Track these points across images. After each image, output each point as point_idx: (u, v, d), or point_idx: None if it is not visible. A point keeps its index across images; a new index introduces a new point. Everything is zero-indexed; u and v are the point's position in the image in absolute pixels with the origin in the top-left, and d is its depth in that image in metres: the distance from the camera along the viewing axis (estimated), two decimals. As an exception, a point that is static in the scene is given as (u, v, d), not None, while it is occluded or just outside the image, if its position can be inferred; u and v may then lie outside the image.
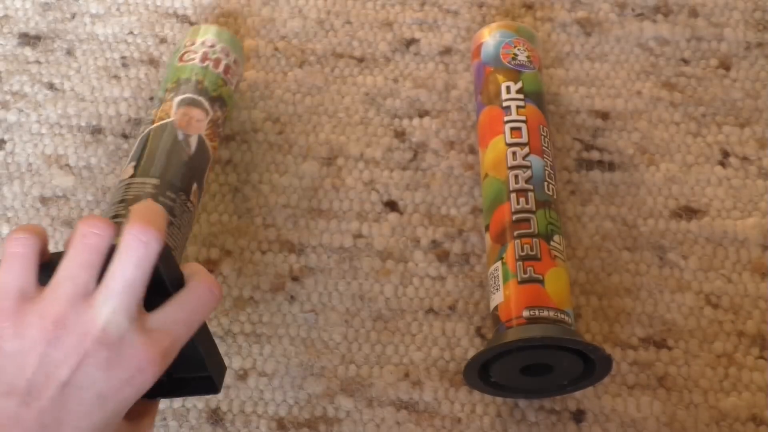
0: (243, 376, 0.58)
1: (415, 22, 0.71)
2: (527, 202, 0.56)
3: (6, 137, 0.67)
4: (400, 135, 0.66)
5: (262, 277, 0.61)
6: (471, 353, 0.58)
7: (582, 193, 0.64)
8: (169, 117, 0.59)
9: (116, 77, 0.69)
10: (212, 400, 0.57)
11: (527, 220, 0.56)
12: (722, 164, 0.65)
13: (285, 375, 0.58)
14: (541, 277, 0.54)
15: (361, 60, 0.70)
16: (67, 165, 0.65)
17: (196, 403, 0.57)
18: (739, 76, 0.68)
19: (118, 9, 0.72)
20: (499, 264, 0.55)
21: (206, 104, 0.61)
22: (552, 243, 0.56)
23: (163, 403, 0.57)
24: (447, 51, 0.70)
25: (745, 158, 0.65)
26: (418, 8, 0.72)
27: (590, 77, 0.69)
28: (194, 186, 0.58)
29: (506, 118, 0.60)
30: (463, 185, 0.64)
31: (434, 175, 0.65)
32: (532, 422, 0.56)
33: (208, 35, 0.64)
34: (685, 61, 0.69)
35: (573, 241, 0.62)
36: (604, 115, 0.67)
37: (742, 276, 0.61)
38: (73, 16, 0.72)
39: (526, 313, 0.53)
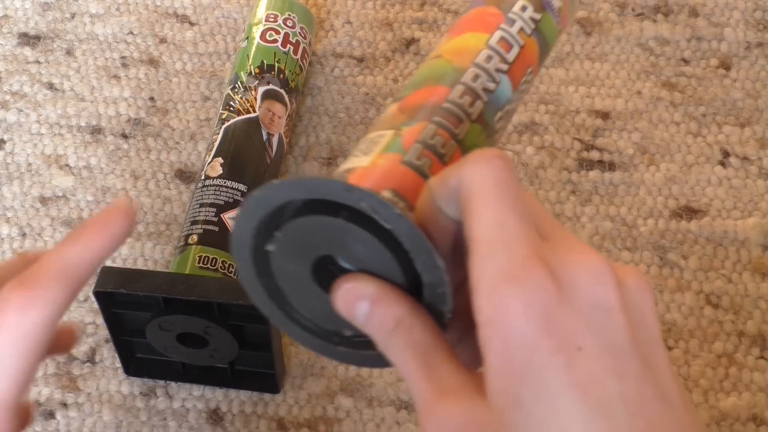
0: (243, 376, 0.58)
1: (415, 22, 0.71)
2: (470, 105, 0.42)
3: (6, 137, 0.67)
4: (400, 135, 0.66)
5: (262, 277, 0.61)
6: (471, 353, 0.58)
7: (582, 193, 0.64)
8: (254, 110, 0.59)
9: (116, 77, 0.69)
10: (212, 400, 0.57)
11: (459, 118, 0.41)
12: (722, 164, 0.65)
13: (285, 375, 0.58)
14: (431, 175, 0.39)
15: (361, 60, 0.70)
16: (67, 165, 0.65)
17: (196, 403, 0.57)
18: (740, 76, 0.68)
19: (117, 9, 0.72)
20: (389, 133, 0.40)
21: (286, 98, 0.62)
22: None
23: (163, 403, 0.57)
24: (447, 51, 0.70)
25: (745, 158, 0.65)
26: (418, 8, 0.72)
27: (590, 77, 0.69)
28: None
29: (503, 26, 0.48)
30: (463, 185, 0.64)
31: (434, 175, 0.65)
32: (532, 422, 0.56)
33: (290, 11, 0.64)
34: (686, 61, 0.69)
35: (573, 241, 0.62)
36: (604, 115, 0.67)
37: (742, 276, 0.61)
38: (73, 16, 0.72)
39: (386, 194, 0.36)
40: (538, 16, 0.49)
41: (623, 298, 0.30)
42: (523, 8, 0.48)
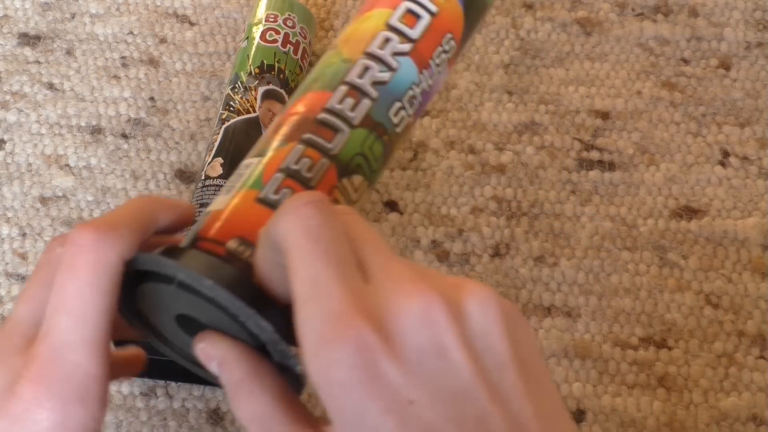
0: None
1: (415, 22, 0.71)
2: (352, 109, 0.38)
3: (6, 137, 0.67)
4: (400, 135, 0.66)
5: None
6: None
7: (582, 193, 0.64)
8: (254, 110, 0.59)
9: (116, 77, 0.69)
10: (212, 400, 0.57)
11: (335, 129, 0.37)
12: (722, 164, 0.65)
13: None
14: None
15: (361, 60, 0.70)
16: (67, 165, 0.65)
17: (196, 403, 0.57)
18: (739, 76, 0.68)
19: (118, 9, 0.72)
20: (255, 162, 0.37)
21: (286, 98, 0.62)
22: (345, 181, 0.37)
23: (163, 403, 0.57)
24: (447, 51, 0.70)
25: (745, 158, 0.65)
26: (418, 8, 0.72)
27: (590, 77, 0.69)
28: None
29: None
30: (463, 185, 0.64)
31: (434, 175, 0.65)
32: (532, 422, 0.56)
33: (290, 11, 0.64)
34: (685, 61, 0.69)
35: (572, 241, 0.62)
36: (604, 115, 0.67)
37: (742, 276, 0.61)
38: (73, 16, 0.72)
39: (232, 245, 0.34)
40: None
41: (460, 331, 0.28)
42: None
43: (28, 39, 0.71)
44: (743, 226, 0.62)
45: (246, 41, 0.65)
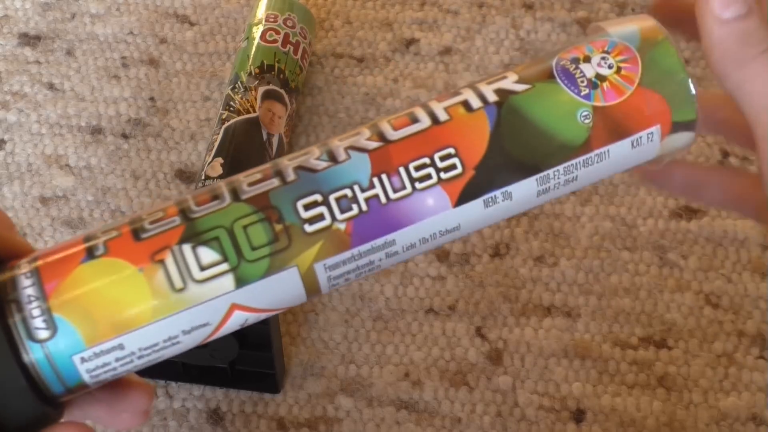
0: (243, 376, 0.58)
1: (415, 22, 0.71)
2: (251, 183, 0.32)
3: (6, 137, 0.67)
4: (400, 135, 0.66)
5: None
6: (471, 353, 0.58)
7: (581, 193, 0.64)
8: (254, 110, 0.59)
9: (116, 77, 0.69)
10: (212, 400, 0.57)
11: (216, 196, 0.32)
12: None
13: (285, 375, 0.58)
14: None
15: (361, 60, 0.70)
16: (67, 165, 0.65)
17: (196, 403, 0.57)
18: (739, 75, 0.68)
19: (118, 9, 0.72)
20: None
21: (286, 98, 0.62)
22: (186, 247, 0.32)
23: (163, 403, 0.57)
24: (447, 51, 0.70)
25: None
26: (418, 8, 0.72)
27: (590, 77, 0.69)
28: None
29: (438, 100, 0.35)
30: (463, 185, 0.64)
31: (434, 175, 0.65)
32: (532, 421, 0.56)
33: (290, 11, 0.65)
34: (686, 61, 0.69)
35: (572, 241, 0.62)
36: (604, 115, 0.67)
37: (742, 276, 0.61)
38: (73, 16, 0.72)
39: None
40: (517, 88, 0.34)
41: None
42: (498, 79, 0.34)
43: (28, 39, 0.71)
44: (743, 226, 0.62)
45: (246, 41, 0.65)
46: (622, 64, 0.34)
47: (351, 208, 0.32)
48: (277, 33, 0.64)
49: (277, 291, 0.32)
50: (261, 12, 0.65)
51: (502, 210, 0.35)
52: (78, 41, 0.71)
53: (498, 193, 0.34)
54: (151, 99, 0.68)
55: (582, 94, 0.34)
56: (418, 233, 0.33)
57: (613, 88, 0.34)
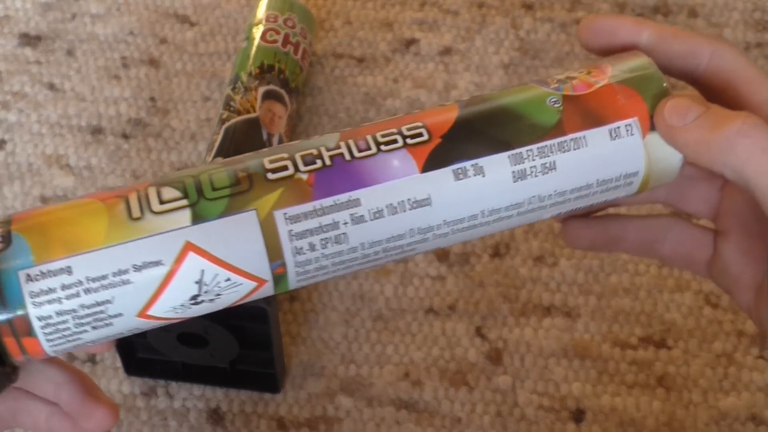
0: (243, 375, 0.58)
1: (415, 22, 0.72)
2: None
3: (6, 137, 0.67)
4: (400, 135, 0.66)
5: (263, 276, 0.61)
6: (471, 353, 0.58)
7: (582, 193, 0.64)
8: (254, 110, 0.59)
9: (116, 77, 0.69)
10: (212, 400, 0.57)
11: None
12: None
13: (285, 374, 0.58)
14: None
15: (361, 60, 0.70)
16: (68, 165, 0.65)
17: (196, 402, 0.57)
18: (739, 76, 0.68)
19: (118, 9, 0.72)
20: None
21: (286, 98, 0.62)
22: (152, 189, 0.33)
23: (163, 403, 0.57)
24: (447, 51, 0.70)
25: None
26: (418, 8, 0.72)
27: (590, 77, 0.69)
28: None
29: None
30: (463, 185, 0.64)
31: (434, 175, 0.65)
32: (531, 421, 0.56)
33: (291, 12, 0.65)
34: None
35: (573, 241, 0.62)
36: (604, 115, 0.67)
37: (741, 276, 0.61)
38: (74, 16, 0.72)
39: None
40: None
41: None
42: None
43: (28, 39, 0.71)
44: (743, 226, 0.62)
45: (246, 41, 0.65)
46: (592, 69, 0.36)
47: (315, 162, 0.33)
48: (278, 33, 0.64)
49: (235, 236, 0.32)
50: (261, 12, 0.65)
51: (476, 189, 0.34)
52: (78, 41, 0.71)
53: (468, 164, 0.33)
54: (152, 99, 0.68)
55: (551, 87, 0.35)
56: (385, 196, 0.33)
57: (583, 83, 0.35)
